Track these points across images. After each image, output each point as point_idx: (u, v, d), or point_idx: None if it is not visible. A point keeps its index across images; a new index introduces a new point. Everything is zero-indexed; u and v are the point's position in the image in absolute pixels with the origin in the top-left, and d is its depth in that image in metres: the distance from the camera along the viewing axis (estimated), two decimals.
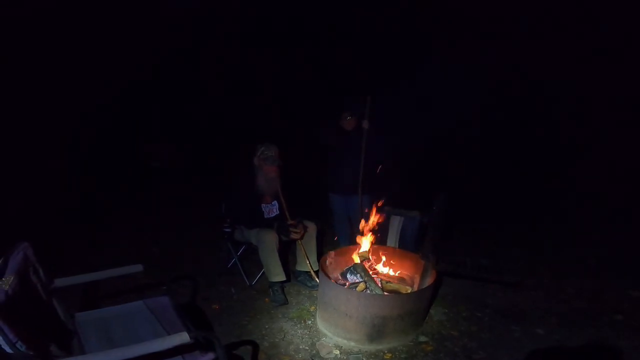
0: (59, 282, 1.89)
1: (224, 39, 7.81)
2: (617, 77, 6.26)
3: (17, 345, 1.34)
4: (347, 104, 3.39)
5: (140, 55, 6.66)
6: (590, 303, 3.03)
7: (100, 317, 1.94)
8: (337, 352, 2.40)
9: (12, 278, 1.52)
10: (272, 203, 3.10)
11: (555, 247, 4.15)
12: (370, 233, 2.92)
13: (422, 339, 2.54)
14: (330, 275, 2.79)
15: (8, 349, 1.33)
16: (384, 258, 3.00)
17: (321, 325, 2.63)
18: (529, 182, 6.29)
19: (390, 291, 2.66)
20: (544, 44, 6.87)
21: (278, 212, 3.11)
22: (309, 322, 2.70)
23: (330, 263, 2.90)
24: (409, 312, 2.43)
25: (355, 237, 2.99)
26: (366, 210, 3.10)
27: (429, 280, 2.56)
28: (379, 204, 3.04)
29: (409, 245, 3.56)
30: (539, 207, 5.41)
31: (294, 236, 2.96)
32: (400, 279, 2.91)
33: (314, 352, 2.39)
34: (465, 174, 6.60)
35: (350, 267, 2.77)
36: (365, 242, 2.92)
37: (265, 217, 3.06)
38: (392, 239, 3.71)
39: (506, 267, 3.66)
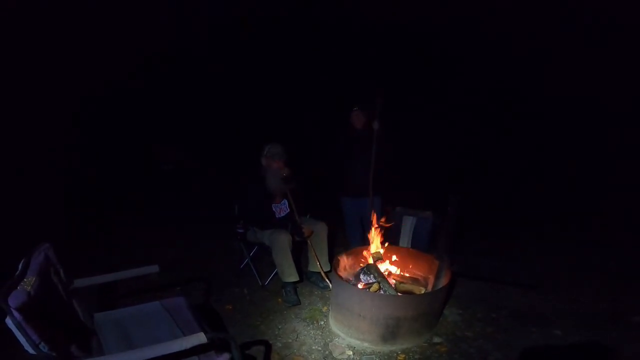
0: (79, 282, 1.92)
1: (228, 39, 7.83)
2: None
3: (40, 347, 1.37)
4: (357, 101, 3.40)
5: (144, 54, 6.69)
6: (609, 305, 2.96)
7: (118, 318, 1.96)
8: (350, 352, 2.39)
9: (34, 279, 1.55)
10: (282, 202, 3.11)
11: (574, 250, 4.06)
12: (380, 234, 2.91)
13: (437, 340, 2.51)
14: (344, 276, 2.78)
15: (31, 350, 1.35)
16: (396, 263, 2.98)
17: (334, 325, 2.63)
18: (549, 184, 6.16)
19: (403, 292, 2.64)
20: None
21: (288, 210, 3.12)
22: (322, 322, 2.70)
23: (343, 264, 2.90)
24: (423, 313, 2.42)
25: (367, 238, 2.98)
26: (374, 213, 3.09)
27: (443, 281, 2.54)
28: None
29: (422, 245, 3.53)
30: (558, 211, 5.29)
31: (307, 233, 2.98)
32: (414, 280, 2.88)
33: (327, 352, 2.39)
34: (483, 176, 6.51)
35: (363, 268, 2.76)
36: (376, 243, 2.90)
37: (277, 216, 3.08)
38: (405, 240, 3.69)
39: (523, 269, 3.60)
